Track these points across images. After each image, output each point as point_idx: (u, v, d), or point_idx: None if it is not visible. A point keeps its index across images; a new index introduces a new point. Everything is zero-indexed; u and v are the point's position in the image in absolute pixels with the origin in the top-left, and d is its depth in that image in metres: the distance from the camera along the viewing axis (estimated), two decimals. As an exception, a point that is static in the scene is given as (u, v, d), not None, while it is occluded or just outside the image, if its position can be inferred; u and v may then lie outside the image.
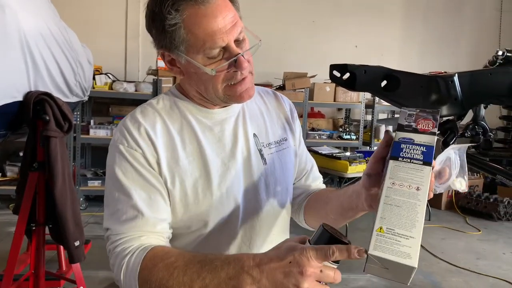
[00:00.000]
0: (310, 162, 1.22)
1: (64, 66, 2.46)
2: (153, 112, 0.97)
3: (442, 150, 0.94)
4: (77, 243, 2.17)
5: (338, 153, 4.43)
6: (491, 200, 5.02)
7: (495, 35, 6.53)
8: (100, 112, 5.44)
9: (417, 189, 0.72)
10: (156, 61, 4.72)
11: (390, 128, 5.26)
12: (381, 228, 0.69)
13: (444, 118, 1.02)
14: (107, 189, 0.94)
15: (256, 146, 1.04)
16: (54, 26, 2.36)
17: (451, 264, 3.56)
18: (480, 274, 3.41)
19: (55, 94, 2.27)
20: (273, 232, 1.08)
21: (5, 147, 4.81)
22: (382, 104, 5.35)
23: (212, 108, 1.01)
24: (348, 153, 4.48)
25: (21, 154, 4.66)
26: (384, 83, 0.98)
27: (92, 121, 5.03)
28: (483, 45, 6.37)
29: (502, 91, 0.98)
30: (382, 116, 6.18)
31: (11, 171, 4.79)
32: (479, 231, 4.54)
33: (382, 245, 0.67)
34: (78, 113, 4.56)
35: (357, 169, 4.09)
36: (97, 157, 5.44)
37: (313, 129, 5.49)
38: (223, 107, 1.02)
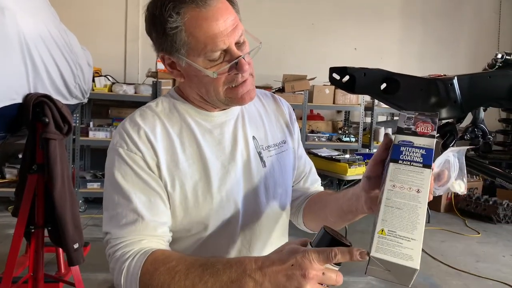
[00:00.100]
0: (309, 165, 1.22)
1: (63, 68, 2.46)
2: (153, 115, 0.97)
3: (442, 153, 0.94)
4: (76, 246, 2.16)
5: (338, 155, 4.43)
6: (491, 202, 5.02)
7: (494, 37, 6.54)
8: (99, 114, 5.43)
9: (418, 191, 0.72)
10: (156, 64, 4.72)
11: (389, 130, 5.27)
12: (382, 230, 0.69)
13: (444, 121, 1.02)
14: (106, 193, 0.94)
15: (255, 149, 1.04)
16: (54, 28, 2.37)
17: (450, 266, 3.56)
18: (480, 277, 3.40)
19: (55, 96, 2.27)
20: (272, 235, 1.08)
21: (4, 149, 4.81)
22: (382, 107, 5.35)
23: (211, 111, 1.01)
24: (347, 156, 4.48)
25: (20, 156, 4.66)
26: (383, 86, 0.98)
27: (91, 123, 5.03)
28: (482, 47, 6.38)
29: (501, 94, 0.98)
30: (382, 118, 6.19)
31: (10, 173, 4.78)
32: (479, 233, 4.54)
33: (384, 247, 0.67)
34: (78, 115, 4.56)
35: (356, 172, 4.09)
36: (97, 159, 5.43)
37: (312, 132, 5.49)
38: (223, 110, 1.02)
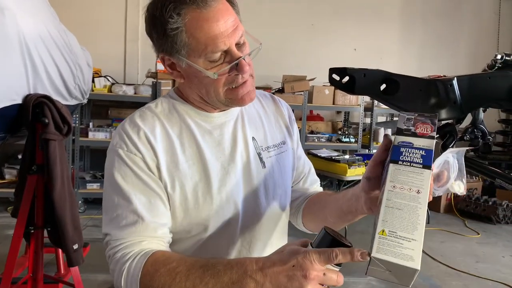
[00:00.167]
0: (308, 165, 1.22)
1: (63, 69, 2.46)
2: (152, 116, 0.97)
3: (441, 153, 0.94)
4: (75, 246, 2.16)
5: (337, 156, 4.43)
6: (490, 203, 5.02)
7: (493, 38, 6.55)
8: (99, 114, 5.43)
9: (418, 192, 0.73)
10: (155, 64, 4.73)
11: (389, 131, 5.27)
12: (383, 231, 0.69)
13: (443, 122, 1.02)
14: (106, 194, 0.93)
15: (255, 150, 1.04)
16: (53, 29, 2.37)
17: (450, 267, 3.56)
18: (480, 277, 3.41)
19: (54, 97, 2.27)
20: (272, 236, 1.08)
21: (4, 150, 4.81)
22: (381, 107, 5.36)
23: (211, 112, 1.01)
24: (347, 156, 4.49)
25: (19, 156, 4.66)
26: (383, 86, 0.98)
27: (91, 124, 5.03)
28: (482, 47, 6.39)
29: (501, 95, 0.98)
30: (381, 119, 6.20)
31: (10, 174, 4.78)
32: (478, 234, 4.54)
33: (385, 248, 0.67)
34: (77, 115, 4.55)
35: (356, 172, 4.09)
36: (96, 159, 5.43)
37: (312, 132, 5.50)
38: (222, 111, 1.02)
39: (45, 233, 2.23)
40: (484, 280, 3.36)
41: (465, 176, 0.88)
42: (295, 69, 5.32)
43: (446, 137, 1.02)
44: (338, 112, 6.19)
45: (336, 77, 0.97)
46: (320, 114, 6.08)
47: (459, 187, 0.88)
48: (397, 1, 6.33)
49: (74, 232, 2.16)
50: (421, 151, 0.77)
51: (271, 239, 1.08)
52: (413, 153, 0.77)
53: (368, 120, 5.56)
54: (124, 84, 4.95)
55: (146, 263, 0.83)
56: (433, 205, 5.25)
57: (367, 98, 5.29)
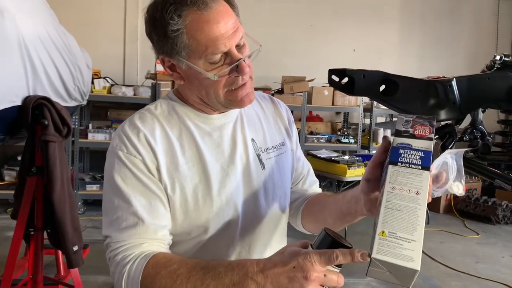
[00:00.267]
0: (307, 167, 1.22)
1: (63, 70, 2.46)
2: (152, 117, 0.97)
3: (441, 154, 0.94)
4: (75, 248, 2.16)
5: (337, 156, 4.44)
6: (490, 203, 5.02)
7: (492, 38, 6.57)
8: (98, 116, 5.43)
9: (417, 193, 0.73)
10: (155, 65, 4.73)
11: (388, 131, 5.28)
12: (383, 232, 0.69)
13: (443, 122, 1.02)
14: (106, 196, 0.93)
15: (254, 152, 1.04)
16: (53, 30, 2.37)
17: (450, 268, 3.56)
18: (479, 278, 3.41)
19: (54, 98, 2.27)
20: (272, 237, 1.08)
21: (3, 151, 4.81)
22: (380, 108, 5.36)
23: (210, 114, 1.01)
24: (346, 157, 4.49)
25: (19, 158, 4.65)
26: (382, 87, 0.98)
27: (90, 125, 5.03)
28: (481, 47, 6.40)
29: (500, 96, 0.98)
30: (381, 119, 6.20)
31: (9, 175, 4.78)
32: (478, 234, 4.54)
33: (385, 249, 0.67)
34: (77, 117, 4.55)
35: (355, 173, 4.09)
36: (96, 161, 5.43)
37: (311, 133, 5.50)
38: (221, 112, 1.02)
39: (45, 235, 2.23)
40: (484, 281, 3.36)
41: (464, 177, 0.89)
42: (294, 70, 5.32)
43: (446, 137, 1.02)
44: (338, 113, 6.20)
45: (335, 78, 0.97)
46: (319, 115, 6.08)
47: (458, 188, 0.88)
48: (396, 2, 6.34)
49: (74, 234, 2.16)
50: (419, 152, 0.78)
51: (271, 240, 1.08)
52: (412, 154, 0.78)
53: (367, 121, 5.56)
54: (123, 85, 4.95)
55: (147, 265, 0.83)
56: (433, 205, 5.25)
57: (366, 99, 5.30)
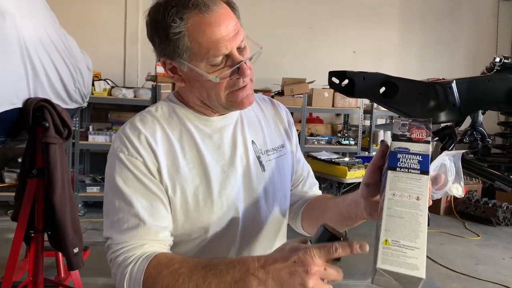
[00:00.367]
0: (307, 169, 1.23)
1: (63, 72, 2.47)
2: (152, 119, 0.97)
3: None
4: (76, 250, 2.16)
5: (337, 158, 4.43)
6: (490, 205, 5.02)
7: (492, 39, 6.57)
8: (99, 118, 5.44)
9: (417, 198, 0.73)
10: (155, 67, 4.73)
11: (389, 133, 5.27)
12: (386, 240, 0.69)
13: (443, 124, 1.02)
14: (107, 198, 0.94)
15: (254, 154, 1.04)
16: (53, 33, 2.37)
17: (450, 269, 3.56)
18: (480, 279, 3.40)
19: (55, 100, 2.27)
20: (272, 238, 1.09)
21: (4, 153, 4.81)
22: (380, 110, 5.36)
23: (211, 116, 1.02)
24: (346, 159, 4.48)
25: (19, 160, 4.66)
26: (382, 89, 0.98)
27: (91, 127, 5.03)
28: (481, 48, 6.41)
29: (500, 98, 0.99)
30: (381, 121, 6.20)
31: (10, 177, 4.78)
32: (478, 236, 4.54)
33: (389, 258, 0.67)
34: (77, 119, 4.56)
35: (356, 175, 4.09)
36: (96, 163, 5.43)
37: (311, 135, 5.50)
38: (222, 115, 1.03)
39: (46, 237, 2.23)
40: (484, 282, 3.36)
41: (463, 179, 0.89)
42: (294, 72, 5.32)
43: (446, 139, 1.02)
44: (338, 115, 6.20)
45: (335, 80, 0.97)
46: (319, 116, 6.08)
47: (458, 190, 0.88)
48: (396, 2, 6.34)
49: (74, 236, 2.16)
50: (417, 156, 0.78)
51: (271, 242, 1.08)
52: (410, 159, 0.78)
53: (367, 123, 5.56)
54: (123, 87, 4.95)
55: (148, 266, 0.84)
56: (433, 207, 5.25)
57: (366, 101, 5.30)
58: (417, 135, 0.81)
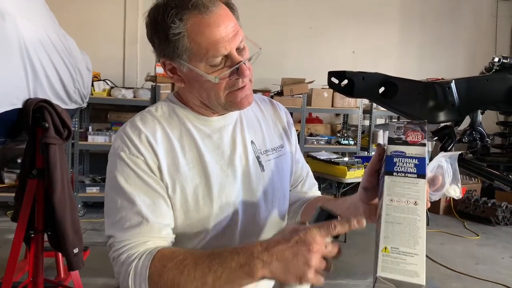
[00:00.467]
0: (306, 169, 1.23)
1: (63, 73, 2.47)
2: (153, 119, 0.98)
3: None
4: (76, 250, 2.16)
5: (336, 158, 4.44)
6: (489, 204, 5.02)
7: (491, 39, 6.58)
8: (98, 118, 5.44)
9: (415, 203, 0.73)
10: (155, 67, 4.73)
11: (388, 133, 5.28)
12: (385, 248, 0.70)
13: (442, 124, 1.02)
14: (108, 197, 0.94)
15: (254, 154, 1.05)
16: (53, 33, 2.37)
17: (450, 269, 3.57)
18: (479, 279, 3.41)
19: (54, 101, 2.28)
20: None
21: (3, 154, 4.81)
22: (380, 110, 5.37)
23: (210, 116, 1.02)
24: (346, 158, 4.49)
25: (19, 160, 4.67)
26: (382, 89, 0.98)
27: (90, 128, 5.03)
28: (480, 47, 6.42)
29: (499, 98, 0.99)
30: (380, 121, 6.21)
31: (9, 178, 4.78)
32: (478, 235, 4.54)
33: (389, 266, 0.68)
34: (77, 119, 4.56)
35: (355, 174, 4.10)
36: (96, 163, 5.43)
37: (311, 135, 5.50)
38: (221, 115, 1.03)
39: (45, 237, 2.23)
40: (484, 282, 3.37)
41: (460, 180, 0.89)
42: (293, 72, 5.33)
43: (445, 139, 1.02)
44: (337, 115, 6.20)
45: (335, 80, 0.97)
46: (319, 116, 6.09)
47: (455, 191, 0.89)
48: (396, 2, 6.35)
49: (74, 236, 2.16)
50: (414, 160, 0.78)
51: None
52: (406, 162, 0.78)
53: (367, 123, 5.57)
54: (123, 87, 4.96)
55: (153, 261, 0.84)
56: (433, 207, 5.25)
57: (366, 101, 5.31)
58: (412, 138, 0.81)
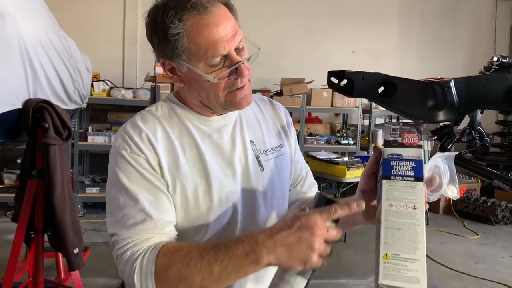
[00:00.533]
0: (305, 169, 1.23)
1: (63, 73, 2.47)
2: (153, 119, 0.99)
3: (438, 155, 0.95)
4: (76, 251, 2.16)
5: (336, 158, 4.44)
6: (489, 204, 5.03)
7: (491, 39, 6.59)
8: (98, 118, 5.44)
9: (414, 207, 0.73)
10: (154, 68, 4.73)
11: (388, 132, 5.27)
12: (386, 254, 0.70)
13: (441, 124, 1.03)
14: (110, 196, 0.94)
15: (253, 153, 1.05)
16: (53, 34, 2.38)
17: (450, 268, 3.57)
18: (479, 278, 3.42)
19: (54, 101, 2.28)
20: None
21: (3, 154, 4.81)
22: (379, 109, 5.37)
23: (209, 116, 1.03)
24: (346, 158, 4.49)
25: (18, 161, 4.67)
26: (381, 89, 0.98)
27: (90, 128, 5.03)
28: (479, 47, 6.42)
29: (498, 97, 0.99)
30: (379, 121, 6.21)
31: (9, 179, 4.78)
32: (477, 235, 4.55)
33: (390, 273, 0.68)
34: (76, 120, 4.56)
35: (355, 174, 4.10)
36: (95, 163, 5.43)
37: (310, 134, 5.51)
38: (220, 115, 1.04)
39: (46, 238, 2.24)
40: (484, 281, 3.37)
41: (457, 181, 0.90)
42: (293, 72, 5.33)
43: (444, 138, 1.02)
44: (337, 114, 6.20)
45: (334, 80, 0.98)
46: (318, 116, 6.09)
47: (453, 192, 0.89)
48: (395, 2, 6.35)
49: (74, 236, 2.16)
50: (411, 162, 0.78)
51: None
52: (403, 165, 0.78)
53: (366, 122, 5.57)
54: (122, 88, 4.96)
55: (158, 255, 0.84)
56: (432, 206, 5.25)
57: (365, 100, 5.31)
58: (409, 140, 0.81)
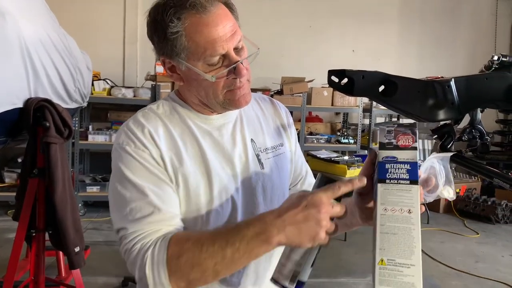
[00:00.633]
0: (305, 168, 1.24)
1: (63, 72, 2.47)
2: (155, 116, 0.99)
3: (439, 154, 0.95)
4: (77, 249, 2.17)
5: (336, 157, 4.43)
6: (489, 203, 5.03)
7: (491, 38, 6.59)
8: (98, 117, 5.44)
9: (409, 212, 0.73)
10: (155, 67, 4.74)
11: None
12: (382, 260, 0.70)
13: (441, 122, 1.03)
14: (115, 192, 0.93)
15: (254, 152, 1.05)
16: (53, 33, 2.38)
17: (450, 267, 3.57)
18: (479, 277, 3.42)
19: (55, 100, 2.28)
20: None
21: (4, 153, 4.81)
22: (380, 108, 5.37)
23: (209, 115, 1.03)
24: (346, 157, 4.49)
25: (19, 160, 4.67)
26: (381, 88, 0.99)
27: (90, 127, 5.04)
28: (480, 47, 6.42)
29: (498, 96, 0.99)
30: (380, 120, 6.21)
31: (10, 177, 4.78)
32: (478, 234, 4.55)
33: (386, 278, 0.68)
34: (77, 119, 4.56)
35: (355, 173, 4.09)
36: (96, 162, 5.44)
37: (311, 133, 5.51)
38: (220, 113, 1.04)
39: (47, 236, 2.24)
40: (484, 280, 3.38)
41: (453, 182, 0.90)
42: (293, 71, 5.33)
43: (444, 137, 1.03)
44: (337, 114, 6.21)
45: (335, 79, 0.98)
46: (319, 115, 6.09)
47: (449, 193, 0.90)
48: (395, 2, 6.35)
49: (75, 235, 2.17)
50: (406, 165, 0.78)
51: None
52: (398, 168, 0.78)
53: (367, 121, 5.57)
54: (123, 87, 4.96)
55: (169, 245, 0.84)
56: (433, 205, 5.25)
57: (365, 99, 5.31)
58: (403, 142, 0.81)
